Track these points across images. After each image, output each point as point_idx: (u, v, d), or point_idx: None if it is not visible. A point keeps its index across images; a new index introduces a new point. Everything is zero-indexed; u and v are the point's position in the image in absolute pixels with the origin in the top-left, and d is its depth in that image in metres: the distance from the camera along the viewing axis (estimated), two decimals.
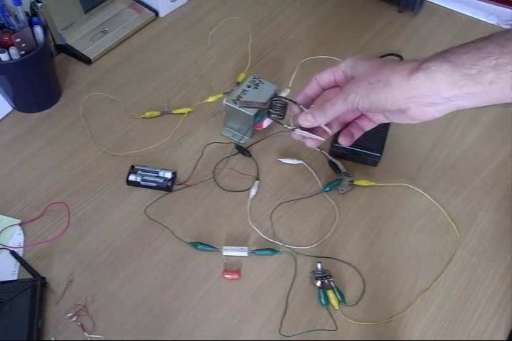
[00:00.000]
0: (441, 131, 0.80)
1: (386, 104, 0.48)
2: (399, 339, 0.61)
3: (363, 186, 0.72)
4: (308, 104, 0.57)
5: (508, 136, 0.79)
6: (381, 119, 0.55)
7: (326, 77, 0.56)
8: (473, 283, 0.66)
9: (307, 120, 0.53)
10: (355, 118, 0.57)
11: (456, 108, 0.46)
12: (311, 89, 0.57)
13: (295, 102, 0.56)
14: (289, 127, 0.56)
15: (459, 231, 0.69)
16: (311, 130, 0.55)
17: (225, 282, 0.65)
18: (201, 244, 0.66)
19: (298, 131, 0.55)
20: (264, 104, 0.59)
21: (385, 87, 0.47)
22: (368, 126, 0.56)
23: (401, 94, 0.47)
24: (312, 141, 0.56)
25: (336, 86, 0.56)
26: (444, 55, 0.46)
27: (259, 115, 0.73)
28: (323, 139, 0.55)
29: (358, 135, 0.56)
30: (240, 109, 0.72)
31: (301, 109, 0.55)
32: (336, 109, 0.51)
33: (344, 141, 0.56)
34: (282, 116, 0.57)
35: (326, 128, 0.54)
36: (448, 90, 0.45)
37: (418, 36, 0.93)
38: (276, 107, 0.57)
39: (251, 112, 0.72)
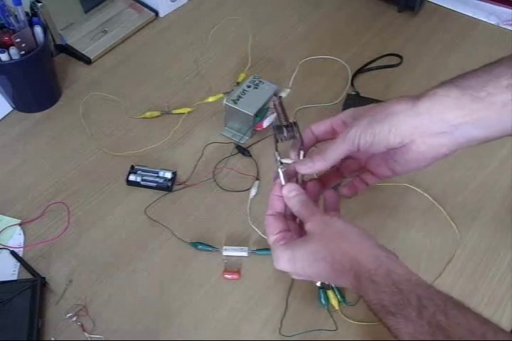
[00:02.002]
0: None
1: (389, 136, 0.45)
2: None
3: None
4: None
5: (508, 136, 0.79)
6: (384, 172, 0.51)
7: (322, 127, 0.52)
8: (473, 283, 0.66)
9: (306, 165, 0.49)
10: (359, 173, 0.54)
11: (465, 140, 0.44)
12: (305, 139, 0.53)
13: (302, 142, 0.51)
14: (278, 157, 0.52)
15: (459, 231, 0.69)
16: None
17: (225, 282, 0.65)
18: (201, 244, 0.66)
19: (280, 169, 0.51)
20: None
21: (389, 116, 0.45)
22: (372, 180, 0.54)
23: (405, 123, 0.44)
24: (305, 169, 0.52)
25: (332, 138, 0.52)
26: (451, 80, 0.44)
27: (259, 115, 0.73)
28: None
29: (361, 189, 0.54)
30: (239, 108, 0.72)
31: (298, 155, 0.52)
32: (337, 149, 0.48)
33: (345, 192, 0.54)
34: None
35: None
36: (456, 116, 0.42)
37: (418, 36, 0.93)
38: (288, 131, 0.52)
39: (251, 112, 0.72)
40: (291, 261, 0.47)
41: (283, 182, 0.51)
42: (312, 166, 0.49)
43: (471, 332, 0.39)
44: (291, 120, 0.52)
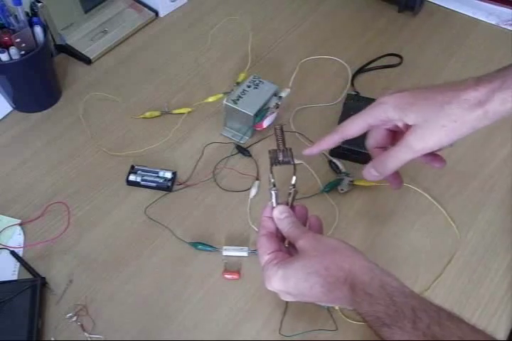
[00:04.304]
0: None
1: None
2: None
3: (363, 186, 0.72)
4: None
5: (508, 136, 0.79)
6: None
7: (356, 129, 0.52)
8: (473, 283, 0.66)
9: (371, 174, 0.52)
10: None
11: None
12: (331, 142, 0.54)
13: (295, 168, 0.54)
14: (272, 179, 0.54)
15: (459, 231, 0.69)
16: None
17: (225, 282, 0.65)
18: (201, 244, 0.66)
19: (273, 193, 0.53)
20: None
21: (459, 124, 0.46)
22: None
23: (471, 127, 0.46)
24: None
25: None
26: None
27: (259, 115, 0.73)
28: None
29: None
30: (239, 108, 0.72)
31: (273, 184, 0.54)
32: (398, 160, 0.49)
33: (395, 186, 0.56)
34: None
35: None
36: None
37: (418, 36, 0.93)
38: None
39: (251, 112, 0.72)
40: (283, 279, 0.47)
41: (274, 204, 0.53)
42: (378, 176, 0.51)
43: None
44: (287, 146, 0.55)
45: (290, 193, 0.54)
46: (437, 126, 0.46)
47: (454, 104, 0.46)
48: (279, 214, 0.52)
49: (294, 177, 0.54)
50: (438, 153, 0.53)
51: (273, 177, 0.54)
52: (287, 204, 0.54)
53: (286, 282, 0.47)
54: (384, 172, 0.51)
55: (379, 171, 0.51)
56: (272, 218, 0.53)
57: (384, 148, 0.54)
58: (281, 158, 0.54)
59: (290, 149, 0.55)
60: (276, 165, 0.55)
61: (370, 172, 0.52)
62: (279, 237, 0.53)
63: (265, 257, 0.50)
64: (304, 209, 0.55)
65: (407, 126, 0.49)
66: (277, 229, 0.53)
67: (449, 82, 0.48)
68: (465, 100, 0.45)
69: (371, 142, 0.55)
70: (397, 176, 0.55)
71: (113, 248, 0.67)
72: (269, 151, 0.55)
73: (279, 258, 0.49)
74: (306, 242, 0.48)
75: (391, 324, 0.41)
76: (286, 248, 0.53)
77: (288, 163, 0.54)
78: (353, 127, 0.52)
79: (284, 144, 0.55)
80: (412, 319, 0.41)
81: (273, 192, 0.54)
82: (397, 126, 0.51)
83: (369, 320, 0.43)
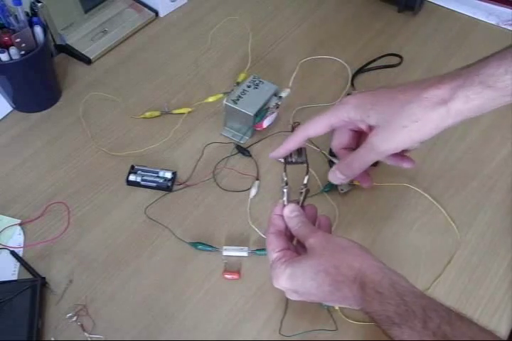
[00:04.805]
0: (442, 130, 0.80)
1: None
2: None
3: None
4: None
5: (508, 136, 0.79)
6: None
7: (320, 129, 0.52)
8: (473, 283, 0.66)
9: (336, 177, 0.52)
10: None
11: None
12: (295, 143, 0.53)
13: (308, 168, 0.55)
14: (285, 178, 0.55)
15: (459, 231, 0.69)
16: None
17: (225, 282, 0.65)
18: (201, 244, 0.66)
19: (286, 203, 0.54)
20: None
21: (418, 122, 0.45)
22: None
23: (435, 127, 0.45)
24: None
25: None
26: (477, 77, 0.43)
27: (259, 115, 0.73)
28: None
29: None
30: (239, 108, 0.72)
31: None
32: (363, 160, 0.49)
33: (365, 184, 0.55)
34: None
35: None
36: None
37: (418, 36, 0.93)
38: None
39: (251, 112, 0.72)
40: (291, 277, 0.47)
41: (285, 202, 0.53)
42: (344, 178, 0.51)
43: None
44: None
45: (301, 192, 0.54)
46: (399, 126, 0.46)
47: (414, 103, 0.45)
48: (290, 212, 0.52)
49: (307, 177, 0.54)
50: (407, 153, 0.53)
51: (286, 176, 0.54)
52: (298, 203, 0.54)
53: (294, 280, 0.47)
54: (349, 174, 0.51)
55: (344, 174, 0.51)
56: (281, 216, 0.53)
57: (349, 148, 0.54)
58: (295, 158, 0.55)
59: (304, 149, 0.55)
60: (290, 164, 0.55)
61: (336, 175, 0.52)
62: (288, 236, 0.53)
63: (273, 255, 0.50)
64: (313, 209, 0.55)
65: (370, 127, 0.49)
66: (286, 227, 0.53)
67: (414, 81, 0.47)
68: (426, 98, 0.44)
69: (336, 143, 0.54)
70: (365, 175, 0.54)
71: (113, 248, 0.67)
72: None
73: (287, 256, 0.49)
74: (315, 241, 0.48)
75: (401, 323, 0.41)
76: (295, 246, 0.53)
77: (302, 162, 0.55)
78: (315, 127, 0.52)
79: None
80: (422, 318, 0.40)
81: (285, 191, 0.54)
82: (359, 127, 0.51)
83: (378, 319, 0.43)
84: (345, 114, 0.50)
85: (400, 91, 0.47)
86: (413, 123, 0.45)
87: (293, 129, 0.55)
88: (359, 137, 0.53)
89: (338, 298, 0.46)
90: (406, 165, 0.53)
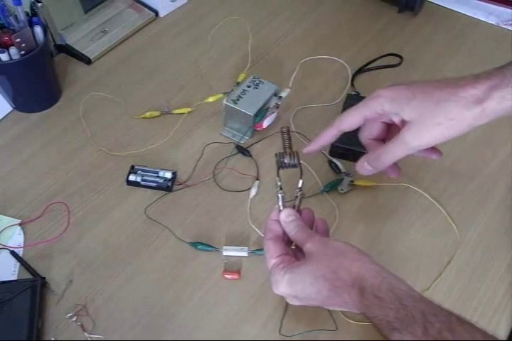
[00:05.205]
0: None
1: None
2: None
3: (363, 186, 0.72)
4: None
5: (508, 136, 0.79)
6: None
7: (354, 122, 0.52)
8: (473, 283, 0.66)
9: (365, 169, 0.51)
10: None
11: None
12: (329, 136, 0.53)
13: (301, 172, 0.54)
14: (279, 182, 0.54)
15: (458, 231, 0.69)
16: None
17: (225, 282, 0.65)
18: (201, 244, 0.66)
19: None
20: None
21: (454, 121, 0.45)
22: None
23: (468, 126, 0.45)
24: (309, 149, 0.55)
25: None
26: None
27: (259, 115, 0.73)
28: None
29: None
30: (239, 108, 0.72)
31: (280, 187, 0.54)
32: (393, 154, 0.49)
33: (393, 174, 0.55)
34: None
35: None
36: None
37: (418, 36, 0.93)
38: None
39: (251, 112, 0.72)
40: (290, 283, 0.47)
41: (281, 207, 0.53)
42: (372, 170, 0.51)
43: None
44: (294, 149, 0.55)
45: (297, 196, 0.54)
46: (433, 123, 0.46)
47: (451, 102, 0.45)
48: (286, 217, 0.52)
49: (301, 181, 0.54)
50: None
51: (280, 180, 0.54)
52: (294, 207, 0.54)
53: (293, 286, 0.47)
54: (378, 167, 0.51)
55: (373, 166, 0.51)
56: (278, 221, 0.53)
57: (378, 140, 0.54)
58: (288, 161, 0.54)
59: (297, 152, 0.55)
60: (283, 168, 0.55)
61: (364, 167, 0.52)
62: (286, 241, 0.53)
63: (272, 261, 0.50)
64: (310, 213, 0.55)
65: (403, 121, 0.49)
66: (284, 232, 0.52)
67: (449, 78, 0.47)
68: (463, 97, 0.45)
69: (365, 134, 0.54)
70: (394, 166, 0.54)
71: (113, 248, 0.67)
72: (276, 154, 0.55)
73: (285, 262, 0.49)
74: (313, 246, 0.48)
75: (401, 328, 0.41)
76: (293, 251, 0.53)
77: (295, 166, 0.54)
78: (349, 120, 0.52)
79: (290, 147, 0.55)
80: (422, 324, 0.40)
81: (280, 195, 0.54)
82: (392, 120, 0.51)
83: (379, 325, 0.43)
84: (380, 106, 0.49)
85: (435, 87, 0.46)
86: (448, 121, 0.45)
87: (282, 134, 0.55)
88: (388, 129, 0.53)
89: (338, 303, 0.46)
90: (435, 156, 0.53)
